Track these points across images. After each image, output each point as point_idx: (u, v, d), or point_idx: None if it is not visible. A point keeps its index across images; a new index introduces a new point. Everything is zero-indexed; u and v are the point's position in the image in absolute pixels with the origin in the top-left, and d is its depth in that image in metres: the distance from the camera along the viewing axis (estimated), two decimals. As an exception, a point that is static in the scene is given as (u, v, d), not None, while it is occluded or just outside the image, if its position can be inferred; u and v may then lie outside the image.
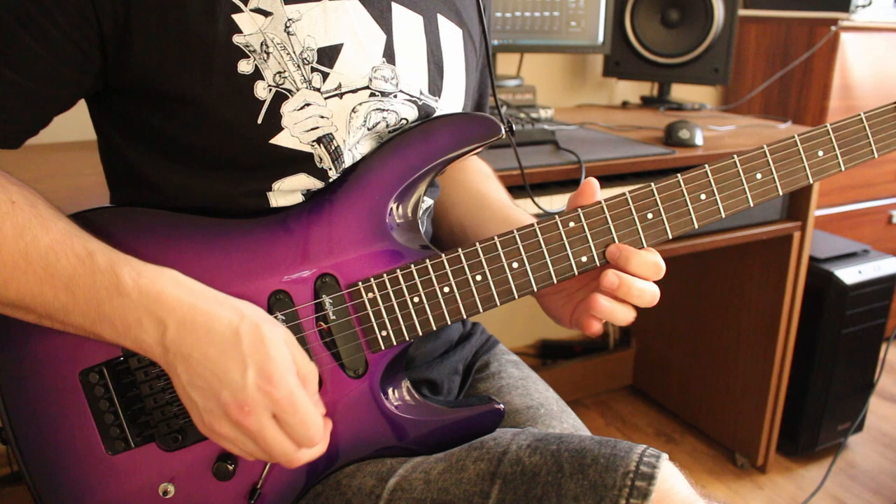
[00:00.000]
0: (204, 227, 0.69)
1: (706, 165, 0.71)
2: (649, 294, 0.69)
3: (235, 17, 0.64)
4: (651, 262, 0.69)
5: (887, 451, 1.98)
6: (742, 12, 2.22)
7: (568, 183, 1.33)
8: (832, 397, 1.84)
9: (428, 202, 0.84)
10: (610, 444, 0.66)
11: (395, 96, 0.72)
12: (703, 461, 1.94)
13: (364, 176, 0.71)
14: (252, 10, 0.65)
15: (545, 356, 2.28)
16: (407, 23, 0.73)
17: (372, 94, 0.71)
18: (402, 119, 0.74)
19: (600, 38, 1.82)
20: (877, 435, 2.04)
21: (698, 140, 1.51)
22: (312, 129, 0.68)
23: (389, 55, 0.72)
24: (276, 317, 0.68)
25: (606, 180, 1.37)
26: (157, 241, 0.67)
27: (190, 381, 0.60)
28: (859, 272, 1.78)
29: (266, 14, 0.65)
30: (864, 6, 2.05)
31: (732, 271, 1.86)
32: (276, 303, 0.68)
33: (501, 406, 0.75)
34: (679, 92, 2.19)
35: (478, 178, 0.93)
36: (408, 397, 0.74)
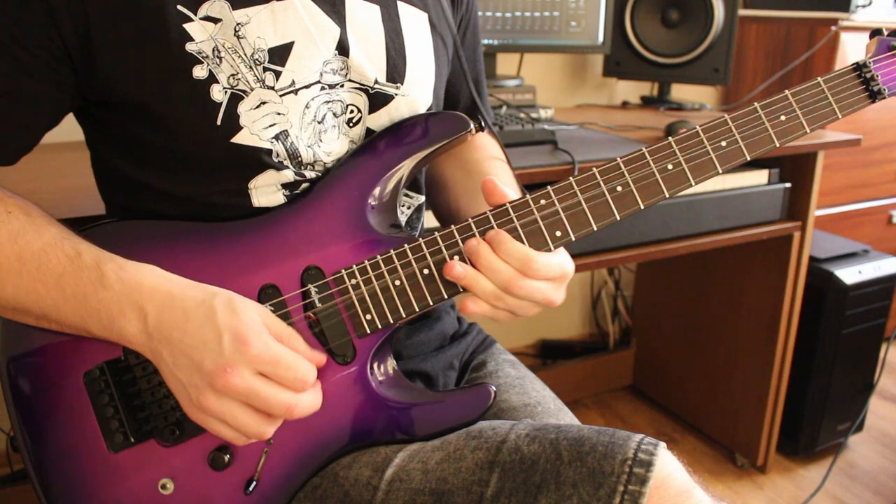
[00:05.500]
0: (195, 232, 0.72)
1: (669, 138, 0.73)
2: (504, 275, 0.67)
3: (186, 26, 0.66)
4: (555, 264, 0.69)
5: (887, 451, 1.98)
6: (742, 12, 2.22)
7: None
8: (832, 397, 1.83)
9: (412, 199, 0.85)
10: (608, 433, 0.67)
11: (342, 86, 0.74)
12: (703, 461, 1.94)
13: (344, 173, 0.75)
14: (202, 19, 0.67)
15: (545, 356, 2.28)
16: (362, 14, 0.75)
17: (322, 88, 0.73)
18: (349, 105, 0.76)
19: (600, 38, 1.83)
20: (877, 435, 2.04)
21: (698, 139, 1.51)
22: (270, 125, 0.71)
23: (343, 48, 0.73)
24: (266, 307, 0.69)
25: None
26: (153, 248, 0.70)
27: (174, 362, 0.63)
28: (859, 272, 1.78)
29: (215, 21, 0.67)
30: (864, 6, 2.05)
31: (732, 271, 1.86)
32: (266, 296, 0.71)
33: (493, 388, 0.75)
34: (679, 92, 2.19)
35: (481, 156, 0.93)
36: (397, 381, 0.75)
